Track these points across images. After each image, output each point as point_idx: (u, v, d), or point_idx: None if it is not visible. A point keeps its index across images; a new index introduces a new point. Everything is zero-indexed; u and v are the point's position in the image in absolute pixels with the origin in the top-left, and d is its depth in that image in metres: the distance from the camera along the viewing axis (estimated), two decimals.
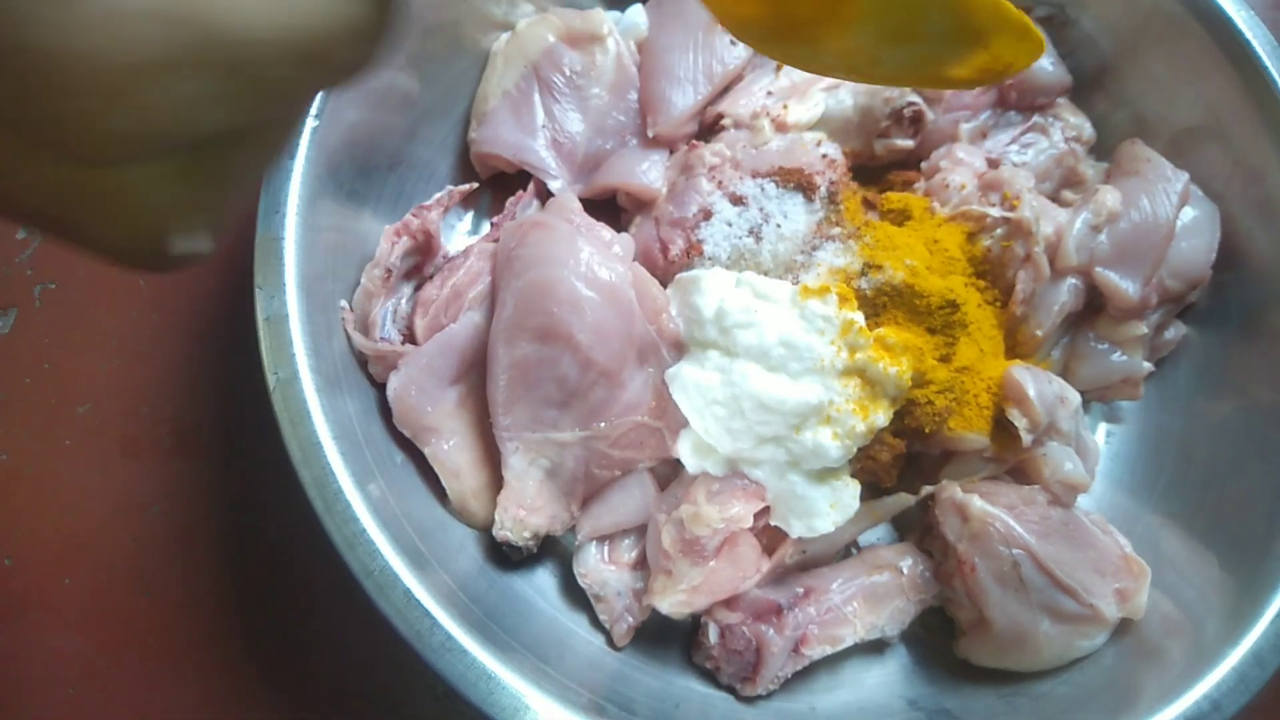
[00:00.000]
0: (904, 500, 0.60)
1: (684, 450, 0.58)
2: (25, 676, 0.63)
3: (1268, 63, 0.63)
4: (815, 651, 0.58)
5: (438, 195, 0.65)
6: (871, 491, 0.60)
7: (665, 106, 0.65)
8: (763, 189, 0.62)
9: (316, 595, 0.64)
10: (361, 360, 0.60)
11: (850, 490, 0.57)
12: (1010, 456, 0.60)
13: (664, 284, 0.59)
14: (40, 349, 0.69)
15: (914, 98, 0.65)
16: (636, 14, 0.68)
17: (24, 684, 0.63)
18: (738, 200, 0.61)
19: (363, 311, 0.60)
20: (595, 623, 0.60)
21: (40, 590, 0.64)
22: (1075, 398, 0.60)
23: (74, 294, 0.70)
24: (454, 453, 0.59)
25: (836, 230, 0.62)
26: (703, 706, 0.58)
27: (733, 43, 0.66)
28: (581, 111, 0.67)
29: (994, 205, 0.62)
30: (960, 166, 0.64)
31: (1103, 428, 0.71)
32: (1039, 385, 0.58)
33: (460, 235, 0.71)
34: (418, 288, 0.63)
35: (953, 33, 0.33)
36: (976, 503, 0.58)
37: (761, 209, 0.61)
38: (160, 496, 0.66)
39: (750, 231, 0.61)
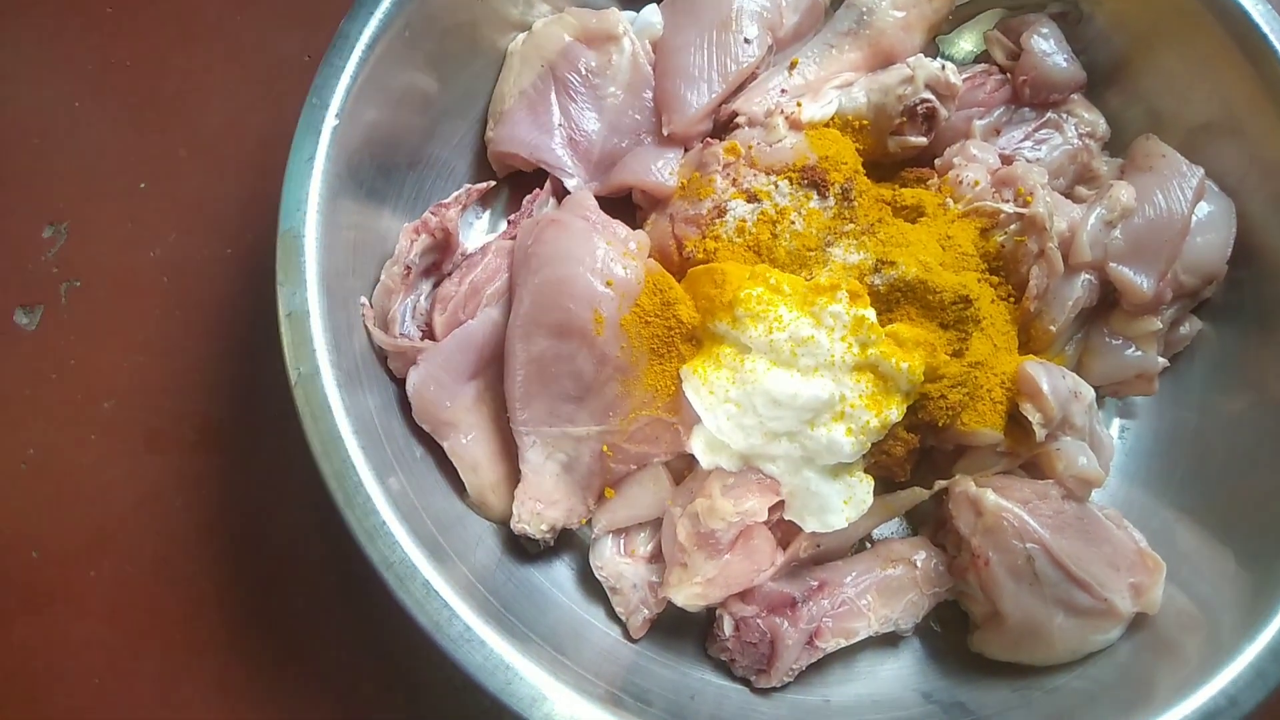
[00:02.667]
0: (918, 495, 0.60)
1: (698, 446, 0.58)
2: (52, 666, 0.64)
3: None
4: (829, 644, 0.58)
5: (456, 193, 0.65)
6: (885, 486, 0.61)
7: (680, 105, 0.66)
8: (776, 186, 0.62)
9: (337, 586, 0.65)
10: (381, 356, 0.60)
11: (864, 486, 0.58)
12: (1024, 451, 0.60)
13: (679, 280, 0.60)
14: (66, 345, 0.70)
15: (927, 95, 0.65)
16: (651, 13, 0.69)
17: (50, 673, 0.64)
18: (752, 197, 0.62)
19: (382, 308, 0.61)
20: (611, 615, 0.61)
21: (66, 582, 0.65)
22: (1089, 393, 0.60)
23: (99, 291, 0.71)
24: (472, 447, 0.60)
25: (850, 226, 0.62)
26: (718, 698, 0.58)
27: (747, 41, 0.66)
28: (597, 110, 0.67)
29: (1007, 201, 0.62)
30: (974, 163, 0.64)
31: (1117, 423, 0.71)
32: (1053, 380, 0.58)
33: (478, 233, 0.71)
34: (436, 284, 0.64)
35: None
36: (990, 497, 0.58)
37: (775, 205, 0.62)
38: (183, 490, 0.67)
39: (764, 228, 0.61)
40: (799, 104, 0.65)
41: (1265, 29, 0.64)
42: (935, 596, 0.60)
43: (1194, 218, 0.64)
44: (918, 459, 0.62)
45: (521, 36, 0.69)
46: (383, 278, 0.61)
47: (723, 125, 0.67)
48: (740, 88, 0.67)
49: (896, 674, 0.62)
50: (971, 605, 0.61)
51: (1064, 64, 0.69)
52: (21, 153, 0.74)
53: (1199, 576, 0.60)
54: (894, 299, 0.60)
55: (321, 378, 0.53)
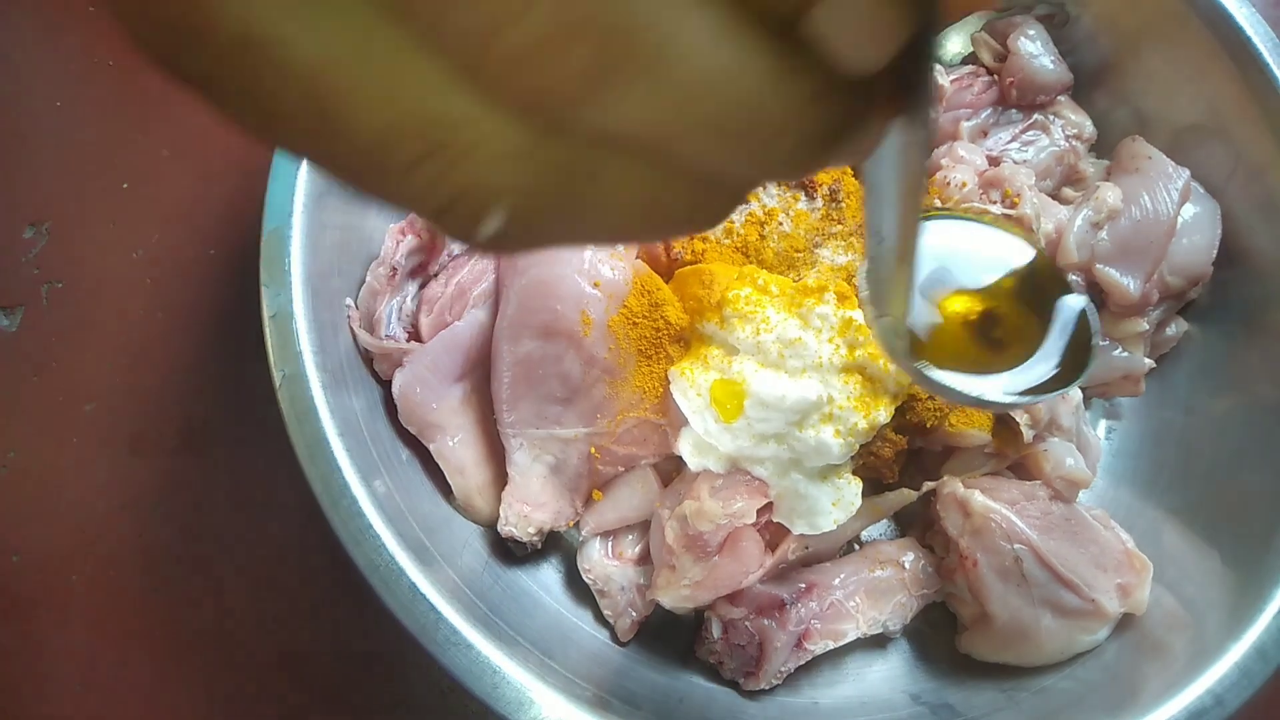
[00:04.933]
0: (906, 496, 0.60)
1: (685, 448, 0.58)
2: (32, 673, 0.63)
3: (1269, 60, 0.63)
4: (818, 646, 0.58)
5: None
6: (873, 487, 0.61)
7: None
8: (764, 187, 0.62)
9: (322, 591, 0.65)
10: (367, 358, 0.60)
11: (852, 488, 0.58)
12: (1012, 452, 0.60)
13: (666, 280, 0.60)
14: (47, 347, 0.69)
15: None
16: None
17: (31, 681, 0.63)
18: None
19: (368, 309, 0.60)
20: (599, 618, 0.61)
21: (47, 587, 0.65)
22: (1076, 394, 0.61)
23: (81, 293, 0.71)
24: (459, 449, 0.60)
25: (838, 228, 0.62)
26: (706, 701, 0.58)
27: None
28: None
29: (995, 203, 0.63)
30: (961, 164, 0.65)
31: (1104, 424, 0.71)
32: None
33: None
34: (422, 285, 0.64)
35: None
36: (978, 498, 0.58)
37: (763, 206, 0.62)
38: (166, 494, 0.67)
39: (752, 229, 0.61)
40: None
41: (1250, 32, 0.64)
42: (923, 598, 0.60)
43: (1180, 219, 0.65)
44: (906, 460, 0.62)
45: None
46: (368, 279, 0.61)
47: None
48: None
49: (885, 675, 0.62)
50: (959, 606, 0.61)
51: (1051, 66, 0.69)
52: (1, 153, 0.73)
53: (1185, 577, 0.60)
54: None
55: (306, 380, 0.52)
